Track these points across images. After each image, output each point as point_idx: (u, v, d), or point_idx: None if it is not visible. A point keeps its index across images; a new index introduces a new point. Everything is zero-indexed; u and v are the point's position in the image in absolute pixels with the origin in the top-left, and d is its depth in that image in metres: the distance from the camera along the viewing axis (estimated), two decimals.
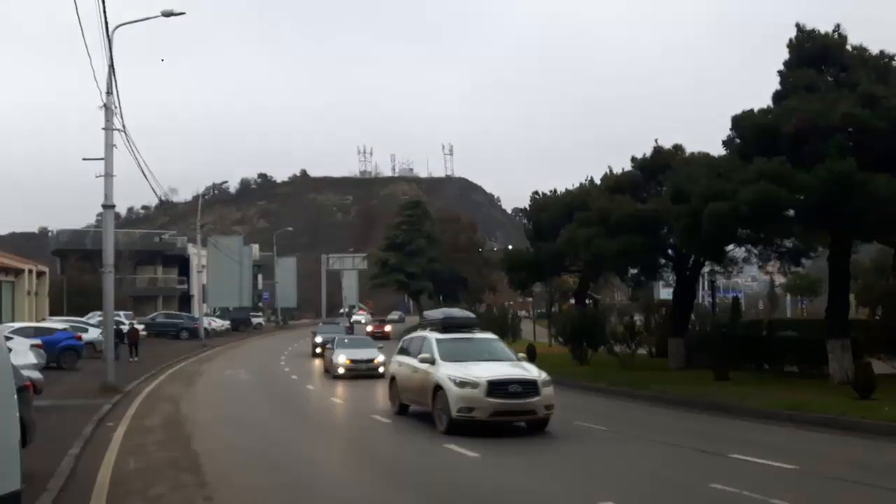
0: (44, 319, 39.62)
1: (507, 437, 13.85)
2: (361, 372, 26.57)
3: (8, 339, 16.30)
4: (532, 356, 30.98)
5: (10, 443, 5.70)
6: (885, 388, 17.19)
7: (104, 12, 19.54)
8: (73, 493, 9.66)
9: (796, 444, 13.28)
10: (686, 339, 26.76)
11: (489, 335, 17.16)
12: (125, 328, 36.76)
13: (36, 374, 16.72)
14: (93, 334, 33.18)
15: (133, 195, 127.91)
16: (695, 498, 9.42)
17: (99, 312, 33.01)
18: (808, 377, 21.91)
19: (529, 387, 13.93)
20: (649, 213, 23.85)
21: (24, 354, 18.44)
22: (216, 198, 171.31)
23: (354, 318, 74.72)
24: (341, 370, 26.81)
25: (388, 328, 58.62)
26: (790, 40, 21.56)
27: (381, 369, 26.09)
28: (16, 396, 6.04)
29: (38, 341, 23.50)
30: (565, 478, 10.82)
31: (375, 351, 28.12)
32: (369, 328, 55.40)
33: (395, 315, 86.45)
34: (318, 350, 36.55)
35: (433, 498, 9.68)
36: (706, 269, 30.14)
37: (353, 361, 27.02)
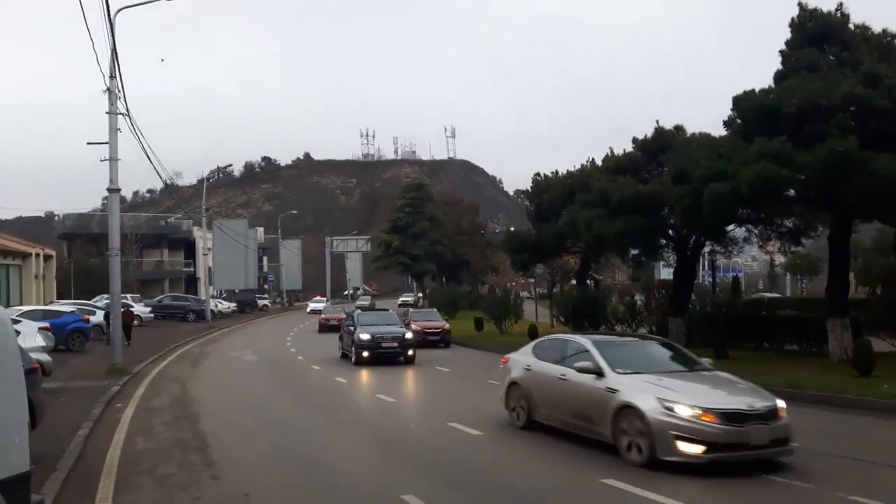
0: (51, 303, 39.88)
1: None
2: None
3: (16, 322, 16.55)
4: (534, 336, 31.29)
5: (19, 424, 5.71)
6: (884, 366, 17.30)
7: None
8: (83, 474, 9.77)
9: (796, 422, 13.19)
10: (686, 318, 26.89)
11: None
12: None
13: (44, 357, 16.91)
14: (100, 317, 33.41)
15: (138, 179, 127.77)
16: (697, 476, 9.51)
17: (106, 295, 33.26)
18: (808, 355, 22.05)
19: None
20: (650, 194, 23.88)
21: (32, 337, 18.67)
22: (221, 181, 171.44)
23: (312, 305, 67.02)
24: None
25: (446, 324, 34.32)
26: (792, 19, 21.51)
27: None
28: (24, 379, 6.04)
29: (45, 324, 23.73)
30: (571, 458, 10.94)
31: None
32: (416, 326, 31.31)
33: (365, 301, 72.85)
34: (366, 354, 24.26)
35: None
36: (707, 249, 30.22)
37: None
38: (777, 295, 56.57)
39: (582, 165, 31.04)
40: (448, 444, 11.77)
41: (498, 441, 11.86)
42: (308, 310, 65.47)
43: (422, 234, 74.56)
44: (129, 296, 43.68)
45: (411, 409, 15.93)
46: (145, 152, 25.86)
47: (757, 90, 20.86)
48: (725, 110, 21.80)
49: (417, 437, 12.53)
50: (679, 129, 27.34)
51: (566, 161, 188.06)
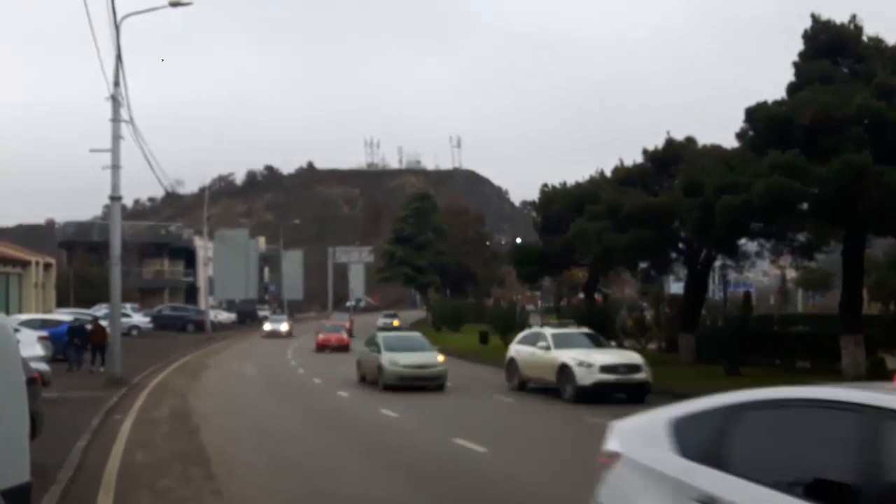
0: (51, 311, 39.58)
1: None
2: None
3: (16, 331, 16.24)
4: None
5: (19, 435, 5.68)
6: None
7: (112, 2, 19.47)
8: (82, 486, 9.59)
9: None
10: (697, 333, 26.56)
11: None
12: (88, 325, 26.86)
13: (43, 367, 16.64)
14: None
15: (139, 187, 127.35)
16: None
17: (106, 305, 32.95)
18: (821, 373, 21.64)
19: None
20: (661, 206, 23.61)
21: (31, 346, 18.32)
22: (222, 190, 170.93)
23: (269, 325, 57.43)
24: None
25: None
26: (805, 31, 21.37)
27: None
28: (25, 388, 5.96)
29: (45, 333, 23.37)
30: (577, 474, 10.68)
31: None
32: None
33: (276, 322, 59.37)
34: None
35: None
36: (718, 263, 29.92)
37: None
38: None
39: (591, 177, 30.67)
40: (452, 460, 11.56)
41: (503, 458, 11.69)
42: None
43: (426, 245, 74.19)
44: (128, 305, 43.34)
45: (415, 424, 15.63)
46: (148, 161, 25.67)
47: (770, 102, 20.70)
48: (737, 122, 21.62)
49: (421, 454, 12.29)
50: (690, 141, 27.09)
51: (574, 172, 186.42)
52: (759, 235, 24.47)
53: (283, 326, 55.62)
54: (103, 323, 27.77)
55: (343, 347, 39.51)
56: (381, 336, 23.23)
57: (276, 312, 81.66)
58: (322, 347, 40.21)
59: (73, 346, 25.07)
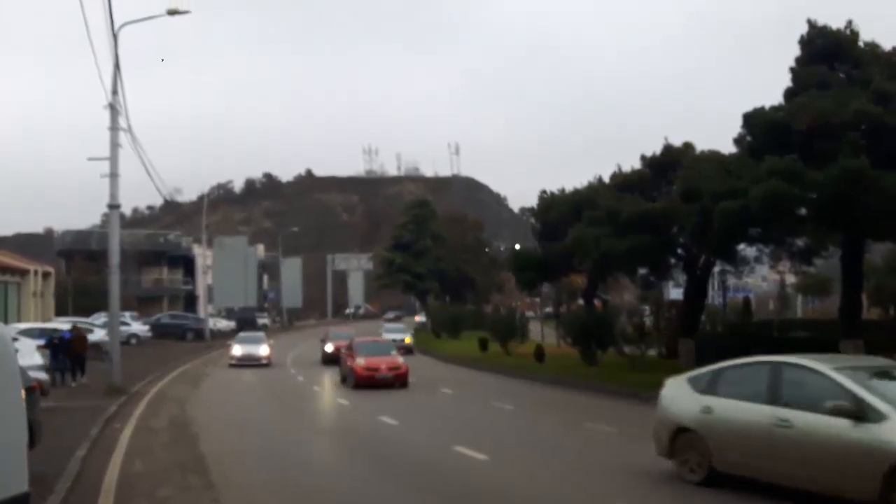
0: (50, 320, 39.52)
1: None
2: None
3: (14, 339, 16.20)
4: (540, 357, 30.90)
5: (17, 444, 5.66)
6: None
7: (110, 11, 19.52)
8: (81, 495, 9.58)
9: None
10: (697, 339, 26.52)
11: None
12: (67, 334, 24.51)
13: (42, 375, 16.61)
14: (98, 335, 33.01)
15: (138, 195, 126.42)
16: (710, 499, 9.27)
17: (105, 313, 32.90)
18: None
19: None
20: (659, 212, 23.63)
21: (30, 355, 18.31)
22: (221, 198, 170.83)
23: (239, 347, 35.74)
24: None
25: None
26: (801, 36, 21.46)
27: None
28: (23, 398, 5.98)
29: (43, 342, 23.33)
30: (579, 481, 10.66)
31: None
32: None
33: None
34: None
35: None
36: (717, 268, 29.91)
37: None
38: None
39: (589, 183, 30.63)
40: (453, 468, 11.51)
41: (503, 465, 11.62)
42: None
43: (425, 251, 74.16)
44: (127, 313, 43.28)
45: (415, 432, 15.57)
46: (146, 169, 25.55)
47: (767, 107, 20.77)
48: (735, 127, 21.68)
49: (421, 462, 12.23)
50: (688, 146, 27.13)
51: (573, 179, 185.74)
52: (758, 241, 24.47)
53: (262, 350, 35.31)
54: (100, 331, 27.27)
55: (400, 379, 24.18)
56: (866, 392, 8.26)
57: (275, 320, 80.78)
58: (368, 383, 23.75)
59: (55, 358, 22.81)
